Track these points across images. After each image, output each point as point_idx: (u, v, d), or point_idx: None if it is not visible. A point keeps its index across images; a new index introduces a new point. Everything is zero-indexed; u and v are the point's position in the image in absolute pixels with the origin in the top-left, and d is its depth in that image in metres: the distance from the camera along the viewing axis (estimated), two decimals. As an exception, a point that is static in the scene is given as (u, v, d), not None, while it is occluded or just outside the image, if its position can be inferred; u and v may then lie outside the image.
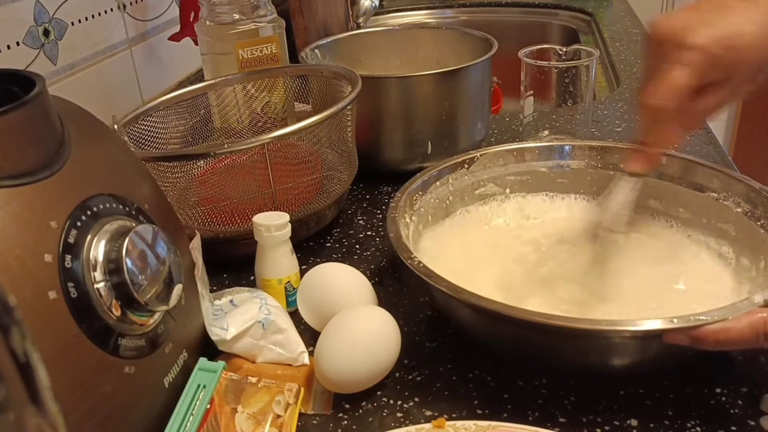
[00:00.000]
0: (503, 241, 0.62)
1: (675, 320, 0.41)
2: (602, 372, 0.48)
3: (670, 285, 0.54)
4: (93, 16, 0.89)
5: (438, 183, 0.62)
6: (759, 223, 0.54)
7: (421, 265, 0.48)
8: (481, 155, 0.64)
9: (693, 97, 0.47)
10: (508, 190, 0.65)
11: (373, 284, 0.55)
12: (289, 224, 0.56)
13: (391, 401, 0.47)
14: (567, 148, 0.65)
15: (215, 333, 0.48)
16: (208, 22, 0.83)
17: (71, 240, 0.37)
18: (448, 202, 0.63)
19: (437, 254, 0.58)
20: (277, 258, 0.56)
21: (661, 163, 0.55)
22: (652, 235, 0.60)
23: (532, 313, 0.43)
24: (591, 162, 0.64)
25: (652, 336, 0.43)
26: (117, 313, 0.39)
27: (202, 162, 0.68)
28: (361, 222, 0.71)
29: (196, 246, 0.50)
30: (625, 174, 0.54)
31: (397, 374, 0.50)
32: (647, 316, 0.45)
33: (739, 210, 0.56)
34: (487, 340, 0.51)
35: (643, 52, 0.50)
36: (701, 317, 0.41)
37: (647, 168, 0.52)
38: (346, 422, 0.46)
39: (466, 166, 0.64)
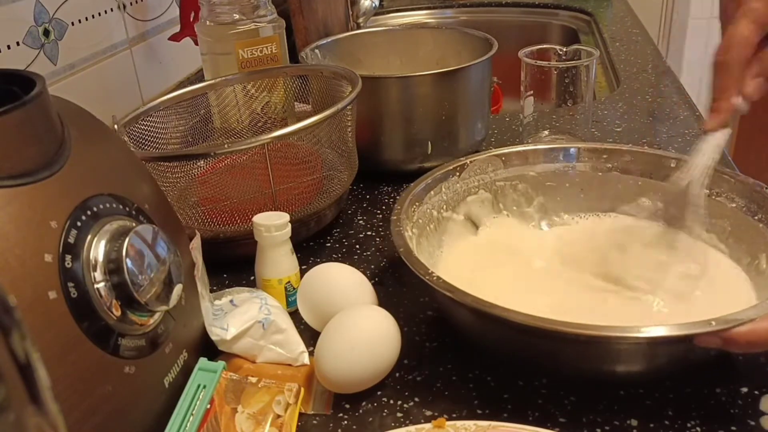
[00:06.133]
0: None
1: (713, 323, 0.40)
2: (626, 378, 0.48)
3: (677, 284, 0.54)
4: (93, 16, 0.89)
5: (432, 192, 0.61)
6: (756, 217, 0.54)
7: (441, 280, 0.47)
8: (471, 162, 0.63)
9: (761, 46, 0.49)
10: (500, 196, 0.65)
11: (373, 284, 0.55)
12: (289, 224, 0.56)
13: (391, 401, 0.47)
14: (571, 150, 0.65)
15: (215, 333, 0.48)
16: (208, 22, 0.83)
17: (71, 240, 0.37)
18: (443, 210, 0.62)
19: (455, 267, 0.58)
20: (277, 258, 0.56)
21: (737, 112, 0.53)
22: (649, 235, 0.60)
23: (572, 324, 0.42)
24: (596, 165, 0.64)
25: (682, 340, 0.42)
26: (117, 313, 0.39)
27: (202, 162, 0.68)
28: (361, 222, 0.71)
29: (196, 246, 0.50)
30: (703, 138, 0.54)
31: (397, 374, 0.50)
32: (674, 319, 0.43)
33: (734, 205, 0.56)
34: (516, 356, 0.50)
35: (721, 22, 0.52)
36: (738, 317, 0.40)
37: (721, 121, 0.53)
38: (346, 422, 0.46)
39: (458, 174, 0.63)
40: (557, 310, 0.51)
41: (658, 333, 0.41)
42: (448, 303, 0.49)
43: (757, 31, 0.49)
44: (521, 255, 0.60)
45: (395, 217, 0.55)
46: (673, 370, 0.48)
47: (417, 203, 0.59)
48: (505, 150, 0.65)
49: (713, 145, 0.54)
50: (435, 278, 0.47)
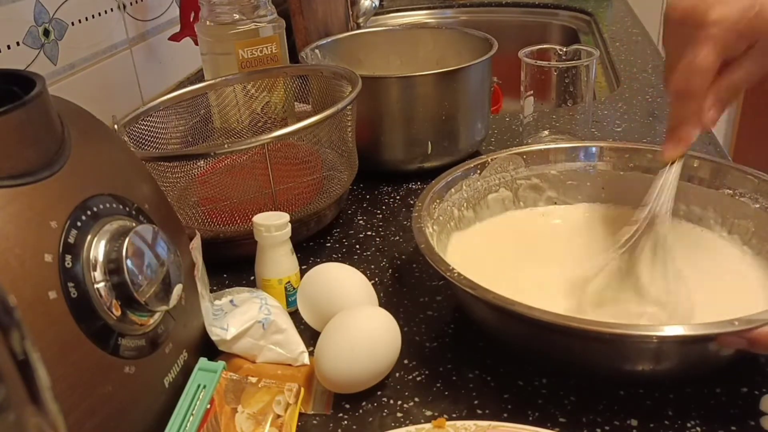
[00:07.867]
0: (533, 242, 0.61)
1: (736, 322, 0.40)
2: (641, 377, 0.47)
3: (696, 283, 0.53)
4: (93, 16, 0.89)
5: (453, 190, 0.61)
6: None
7: (463, 277, 0.46)
8: (492, 159, 0.63)
9: (720, 73, 0.48)
10: (520, 194, 0.65)
11: (373, 284, 0.55)
12: (289, 224, 0.56)
13: (391, 401, 0.47)
14: (592, 149, 0.64)
15: (215, 333, 0.48)
16: (208, 22, 0.83)
17: (71, 240, 0.37)
18: (463, 208, 0.62)
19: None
20: (277, 258, 0.56)
21: (693, 142, 0.53)
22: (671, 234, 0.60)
23: (598, 323, 0.41)
24: (617, 164, 0.63)
25: (706, 339, 0.41)
26: (117, 313, 0.39)
27: (202, 162, 0.68)
28: (361, 222, 0.71)
29: (196, 246, 0.50)
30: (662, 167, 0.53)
31: (397, 374, 0.50)
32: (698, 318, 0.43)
33: (758, 206, 0.56)
34: (534, 353, 0.50)
35: (664, 37, 0.50)
36: (762, 317, 0.40)
37: (681, 150, 0.52)
38: (346, 422, 0.46)
39: (479, 171, 0.63)
40: (574, 310, 0.51)
41: (678, 332, 0.40)
42: (469, 300, 0.49)
43: (719, 59, 0.47)
44: (541, 254, 0.60)
45: (416, 214, 0.55)
46: (696, 371, 0.47)
47: (438, 200, 0.59)
48: (527, 148, 0.65)
49: (674, 177, 0.53)
50: (456, 275, 0.47)
